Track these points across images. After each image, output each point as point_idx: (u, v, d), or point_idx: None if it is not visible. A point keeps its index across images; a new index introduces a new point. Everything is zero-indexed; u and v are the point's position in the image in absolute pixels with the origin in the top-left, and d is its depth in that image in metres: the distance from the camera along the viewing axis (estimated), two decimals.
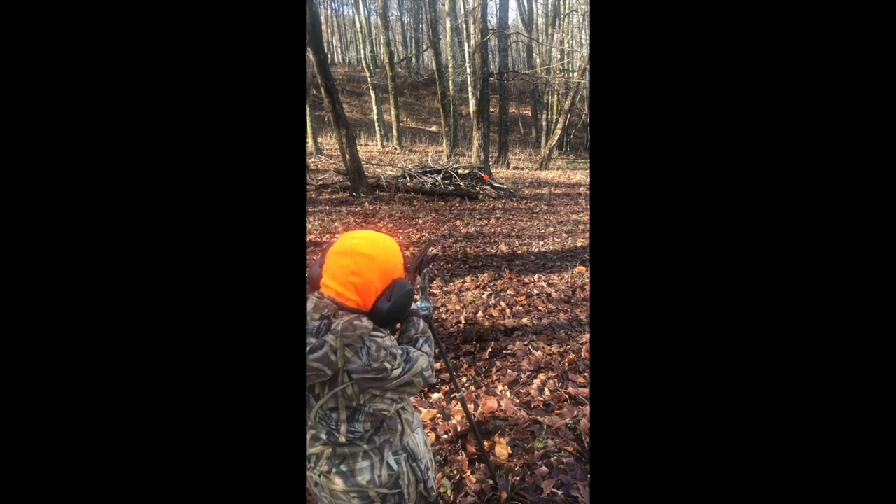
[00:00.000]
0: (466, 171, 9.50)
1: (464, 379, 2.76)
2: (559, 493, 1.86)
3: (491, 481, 1.91)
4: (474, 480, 1.91)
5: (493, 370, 2.85)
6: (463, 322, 3.50)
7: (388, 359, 0.95)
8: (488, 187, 9.30)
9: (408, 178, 9.18)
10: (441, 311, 3.75)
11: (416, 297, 1.55)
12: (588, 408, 2.45)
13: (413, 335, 1.13)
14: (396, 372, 0.97)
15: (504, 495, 1.83)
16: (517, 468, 2.00)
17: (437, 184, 8.98)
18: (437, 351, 1.73)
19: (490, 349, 3.08)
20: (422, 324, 1.17)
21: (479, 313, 3.66)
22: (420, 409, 2.43)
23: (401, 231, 6.24)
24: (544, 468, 2.00)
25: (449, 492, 1.86)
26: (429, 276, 1.66)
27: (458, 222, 6.89)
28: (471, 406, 2.45)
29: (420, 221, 6.84)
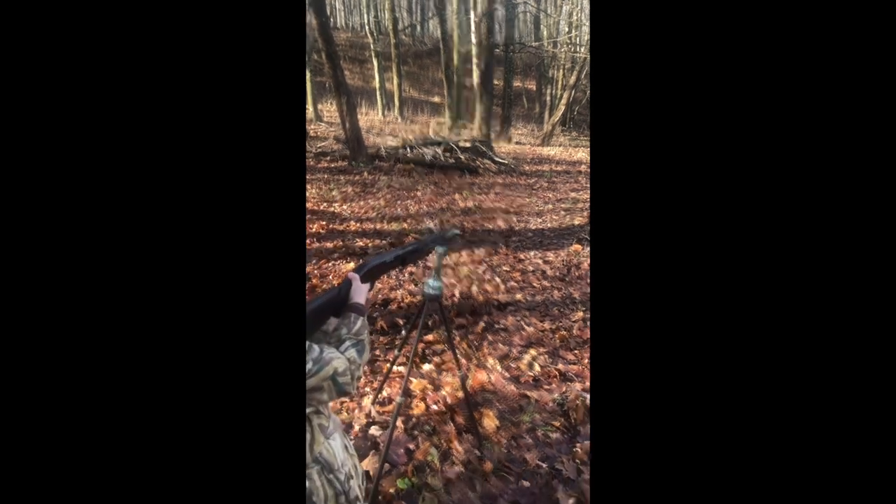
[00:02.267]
0: (468, 145, 9.39)
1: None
2: (544, 465, 1.90)
3: (477, 452, 1.95)
4: (461, 451, 1.95)
5: (485, 344, 2.88)
6: (457, 296, 3.51)
7: None
8: (489, 162, 9.21)
9: (408, 150, 9.07)
10: None
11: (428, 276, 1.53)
12: (577, 384, 2.48)
13: (343, 335, 1.00)
14: None
15: (489, 465, 1.87)
16: (504, 441, 2.04)
17: (438, 156, 8.88)
18: (440, 324, 1.69)
19: (483, 323, 3.10)
20: (358, 324, 1.02)
21: (474, 287, 3.67)
22: (412, 378, 2.46)
23: (399, 203, 6.20)
24: (530, 441, 2.03)
25: (436, 460, 1.89)
26: (443, 255, 1.60)
27: (456, 196, 6.84)
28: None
29: (419, 194, 6.79)
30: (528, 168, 9.83)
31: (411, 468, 1.84)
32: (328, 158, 8.73)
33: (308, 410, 0.94)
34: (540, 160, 11.14)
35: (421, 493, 1.73)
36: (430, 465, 1.88)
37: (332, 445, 1.02)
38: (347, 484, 1.02)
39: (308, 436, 0.96)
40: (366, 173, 7.91)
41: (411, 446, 1.97)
